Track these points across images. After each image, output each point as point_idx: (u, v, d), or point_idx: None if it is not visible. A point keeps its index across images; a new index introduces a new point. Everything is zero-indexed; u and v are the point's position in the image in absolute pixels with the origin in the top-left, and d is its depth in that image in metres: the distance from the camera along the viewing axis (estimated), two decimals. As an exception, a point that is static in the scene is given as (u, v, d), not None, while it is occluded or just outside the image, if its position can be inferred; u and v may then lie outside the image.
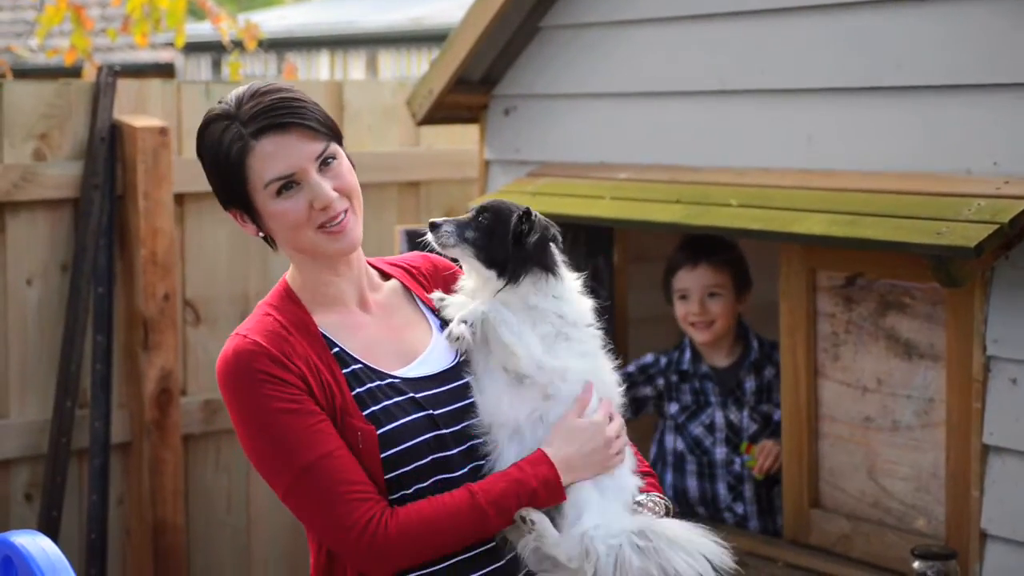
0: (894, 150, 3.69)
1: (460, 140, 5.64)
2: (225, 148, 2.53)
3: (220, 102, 2.58)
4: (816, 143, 3.89)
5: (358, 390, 2.57)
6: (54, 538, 4.41)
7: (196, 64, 14.15)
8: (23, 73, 9.62)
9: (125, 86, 5.02)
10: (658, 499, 2.72)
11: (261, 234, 2.63)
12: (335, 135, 2.60)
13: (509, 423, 2.63)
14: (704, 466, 4.42)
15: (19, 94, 4.83)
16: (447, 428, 2.60)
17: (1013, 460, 3.43)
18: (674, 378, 4.48)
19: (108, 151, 4.91)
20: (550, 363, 2.63)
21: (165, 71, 12.12)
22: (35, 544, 2.74)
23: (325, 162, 2.56)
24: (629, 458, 2.73)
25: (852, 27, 3.78)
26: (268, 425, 2.51)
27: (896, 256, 3.62)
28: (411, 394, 2.60)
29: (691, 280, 4.39)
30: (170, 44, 9.89)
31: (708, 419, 4.41)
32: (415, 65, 12.36)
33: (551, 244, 2.67)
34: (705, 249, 4.42)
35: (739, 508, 4.36)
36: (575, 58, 4.58)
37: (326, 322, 2.62)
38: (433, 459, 2.57)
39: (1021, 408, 3.40)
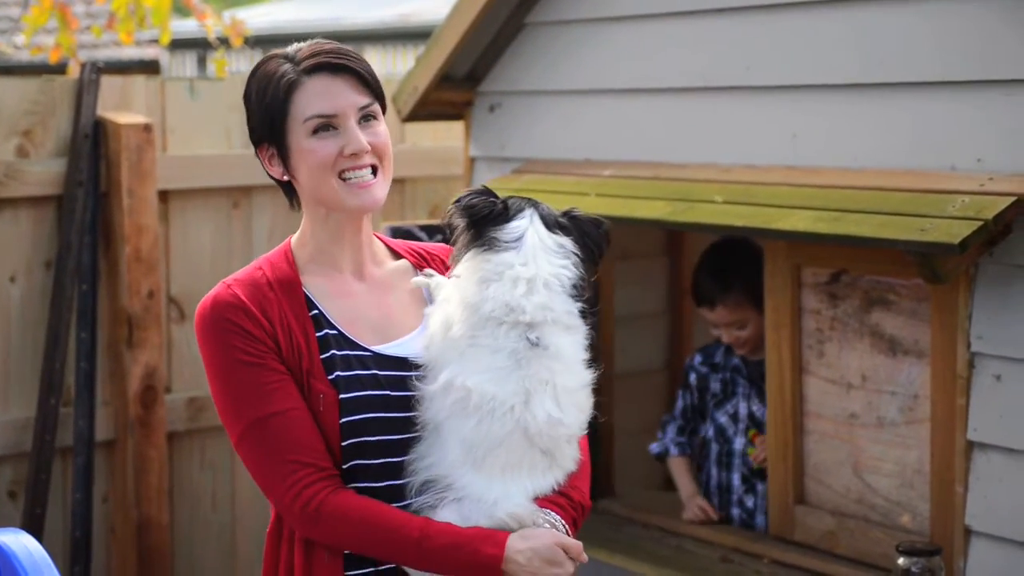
0: (879, 147, 3.69)
1: (445, 137, 5.64)
2: (275, 81, 2.59)
3: (276, 53, 2.66)
4: (801, 140, 3.89)
5: (327, 354, 2.59)
6: (38, 536, 4.40)
7: (181, 61, 14.14)
8: (7, 70, 9.60)
9: (109, 83, 5.01)
10: (553, 518, 2.61)
11: (285, 178, 2.65)
12: (380, 99, 2.65)
13: (427, 414, 2.59)
14: (724, 455, 4.42)
15: (2, 90, 4.82)
16: (399, 412, 2.60)
17: (997, 456, 3.43)
18: (704, 370, 4.50)
19: (92, 148, 4.89)
20: (438, 367, 2.57)
21: (150, 68, 12.09)
22: (19, 542, 2.74)
23: (365, 117, 2.61)
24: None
25: (837, 24, 3.78)
26: (229, 374, 2.57)
27: (881, 252, 3.63)
28: (375, 370, 2.61)
29: (713, 318, 4.41)
30: (155, 41, 9.87)
31: (733, 408, 4.42)
32: (401, 62, 12.37)
33: (487, 220, 2.58)
34: (718, 286, 4.36)
35: (749, 502, 4.36)
36: (560, 55, 4.57)
37: (314, 284, 2.65)
38: (380, 440, 2.58)
39: (1005, 404, 3.40)
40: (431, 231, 4.47)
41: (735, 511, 4.38)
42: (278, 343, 2.57)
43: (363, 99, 2.61)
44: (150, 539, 4.98)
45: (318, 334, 2.60)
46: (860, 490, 3.92)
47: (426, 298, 2.72)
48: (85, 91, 4.89)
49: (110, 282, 4.98)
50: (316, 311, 2.62)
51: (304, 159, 2.60)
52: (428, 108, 4.90)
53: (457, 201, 2.62)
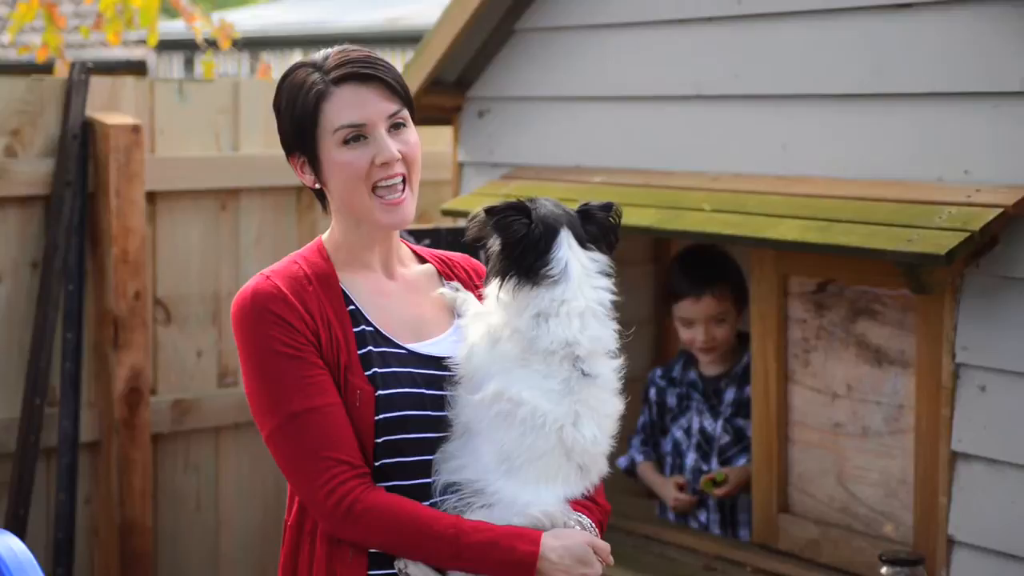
0: (867, 157, 3.71)
1: (434, 142, 5.62)
2: (305, 90, 2.60)
3: (304, 61, 2.67)
4: (790, 149, 3.90)
5: (364, 350, 2.60)
6: (20, 537, 4.38)
7: (168, 62, 14.11)
8: (-6, 69, 9.58)
9: (98, 83, 5.00)
10: (583, 520, 2.66)
11: (317, 186, 2.66)
12: (409, 104, 2.67)
13: (459, 419, 2.63)
14: (676, 469, 4.43)
15: (-10, 90, 4.81)
16: (434, 411, 2.62)
17: (981, 467, 3.45)
18: (663, 383, 4.50)
19: (80, 148, 4.89)
20: (481, 377, 2.61)
21: (137, 69, 12.08)
22: (3, 543, 2.74)
23: (395, 125, 2.63)
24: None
25: (827, 35, 3.79)
26: (267, 365, 2.55)
27: (867, 263, 3.64)
28: (411, 368, 2.62)
29: (696, 311, 4.36)
30: (143, 42, 9.85)
31: (687, 423, 4.43)
32: (389, 66, 12.34)
33: (537, 254, 2.59)
34: (706, 276, 4.36)
35: (702, 516, 4.37)
36: (550, 61, 4.58)
37: (349, 280, 2.66)
38: (417, 438, 2.60)
39: (989, 415, 3.42)
40: (419, 235, 4.47)
41: (692, 524, 4.39)
42: (319, 337, 2.57)
43: (392, 106, 2.62)
44: (133, 541, 4.97)
45: (355, 329, 2.61)
46: (844, 499, 3.93)
47: (454, 310, 2.75)
48: (74, 91, 4.88)
49: (96, 283, 4.97)
50: (353, 307, 2.63)
51: (336, 170, 2.61)
52: (417, 113, 4.87)
53: (490, 214, 2.60)
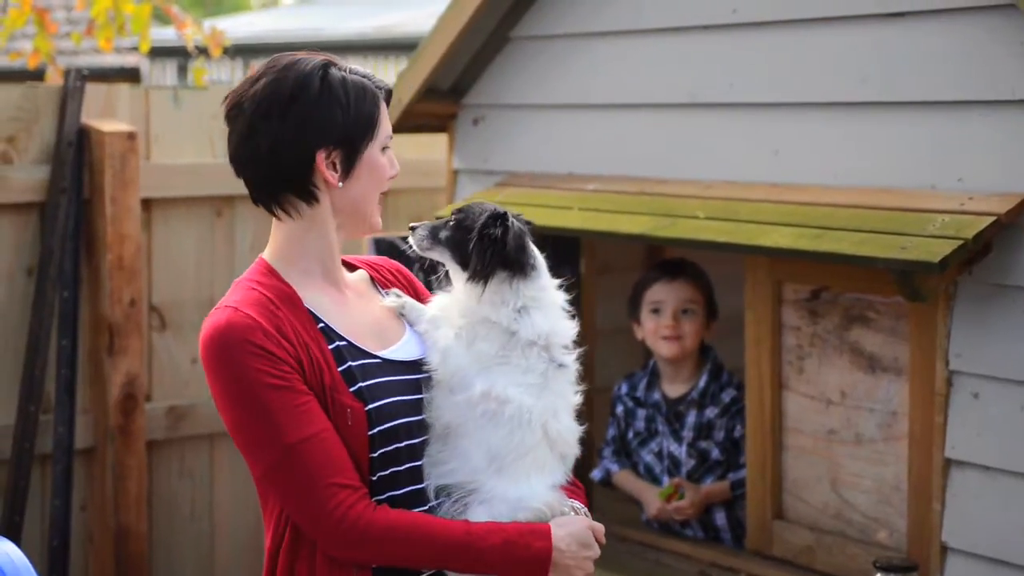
0: (860, 165, 3.72)
1: (428, 149, 5.64)
2: (369, 92, 2.64)
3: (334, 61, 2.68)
4: (783, 157, 3.92)
5: (343, 366, 2.59)
6: (16, 543, 4.38)
7: (162, 69, 14.11)
8: (-13, 75, 9.57)
9: (93, 90, 5.01)
10: (575, 504, 2.74)
11: (338, 183, 2.63)
12: None
13: (440, 421, 2.66)
14: None
15: (-15, 96, 4.82)
16: (417, 416, 2.65)
17: (974, 474, 3.46)
18: (630, 404, 4.52)
19: (75, 155, 4.89)
20: (461, 378, 2.65)
21: (130, 76, 12.07)
22: (0, 550, 2.74)
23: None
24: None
25: (820, 43, 3.81)
26: (256, 400, 2.49)
27: (861, 270, 3.65)
28: (392, 376, 2.64)
29: (667, 293, 4.40)
30: (135, 49, 9.84)
31: (657, 447, 4.45)
32: (381, 73, 12.37)
33: (524, 249, 2.69)
34: (682, 264, 4.47)
35: (687, 533, 4.38)
36: (544, 69, 4.59)
37: (310, 297, 2.64)
38: (408, 445, 2.62)
39: (983, 422, 3.43)
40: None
41: (675, 528, 4.40)
42: (300, 362, 2.53)
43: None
44: (128, 547, 4.97)
45: (330, 347, 2.60)
46: (838, 506, 3.94)
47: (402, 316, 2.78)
48: (69, 98, 4.89)
49: (92, 290, 4.98)
50: (322, 324, 2.62)
51: (376, 171, 2.67)
52: (412, 120, 4.91)
53: (463, 219, 2.71)
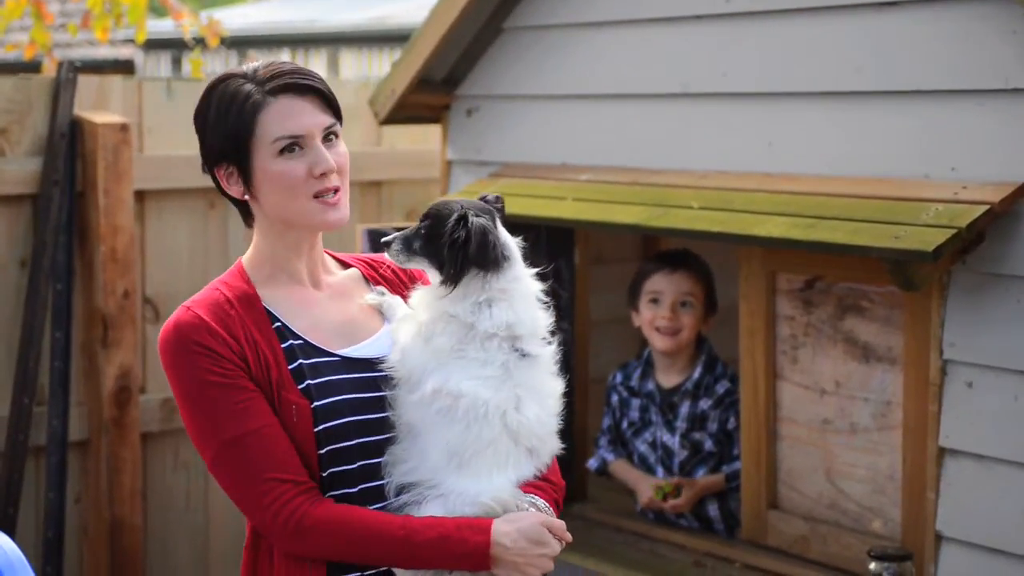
0: (854, 155, 3.72)
1: (422, 140, 5.64)
2: (240, 100, 2.59)
3: (233, 72, 2.66)
4: (777, 147, 3.91)
5: (294, 364, 2.61)
6: (10, 536, 4.37)
7: (156, 61, 14.08)
8: (-19, 67, 9.55)
9: (86, 82, 5.00)
10: (536, 501, 2.68)
11: (245, 197, 2.65)
12: (340, 117, 2.71)
13: (401, 420, 2.64)
14: None
15: (-22, 88, 4.81)
16: (374, 414, 2.64)
17: (968, 463, 3.46)
18: (625, 394, 4.52)
19: (68, 147, 4.88)
20: (419, 376, 2.63)
21: (125, 67, 12.04)
22: (-7, 542, 2.73)
23: (327, 136, 2.65)
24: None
25: (814, 32, 3.80)
26: (199, 396, 2.57)
27: (855, 260, 3.65)
28: (345, 374, 2.64)
29: (667, 284, 4.39)
30: (130, 40, 9.83)
31: (651, 437, 4.45)
32: (376, 65, 12.36)
33: (486, 247, 2.62)
34: (683, 256, 4.46)
35: (682, 523, 4.38)
36: (538, 60, 4.59)
37: (272, 297, 2.67)
38: (358, 443, 2.62)
39: (977, 411, 3.43)
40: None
41: (669, 518, 4.40)
42: (246, 360, 2.58)
43: (328, 119, 2.66)
44: (123, 540, 4.97)
45: (283, 346, 2.62)
46: (832, 495, 3.94)
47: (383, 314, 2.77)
48: (62, 90, 4.88)
49: (85, 282, 4.97)
50: (278, 324, 2.64)
51: (274, 179, 2.61)
52: (405, 111, 4.91)
53: (439, 217, 2.64)
